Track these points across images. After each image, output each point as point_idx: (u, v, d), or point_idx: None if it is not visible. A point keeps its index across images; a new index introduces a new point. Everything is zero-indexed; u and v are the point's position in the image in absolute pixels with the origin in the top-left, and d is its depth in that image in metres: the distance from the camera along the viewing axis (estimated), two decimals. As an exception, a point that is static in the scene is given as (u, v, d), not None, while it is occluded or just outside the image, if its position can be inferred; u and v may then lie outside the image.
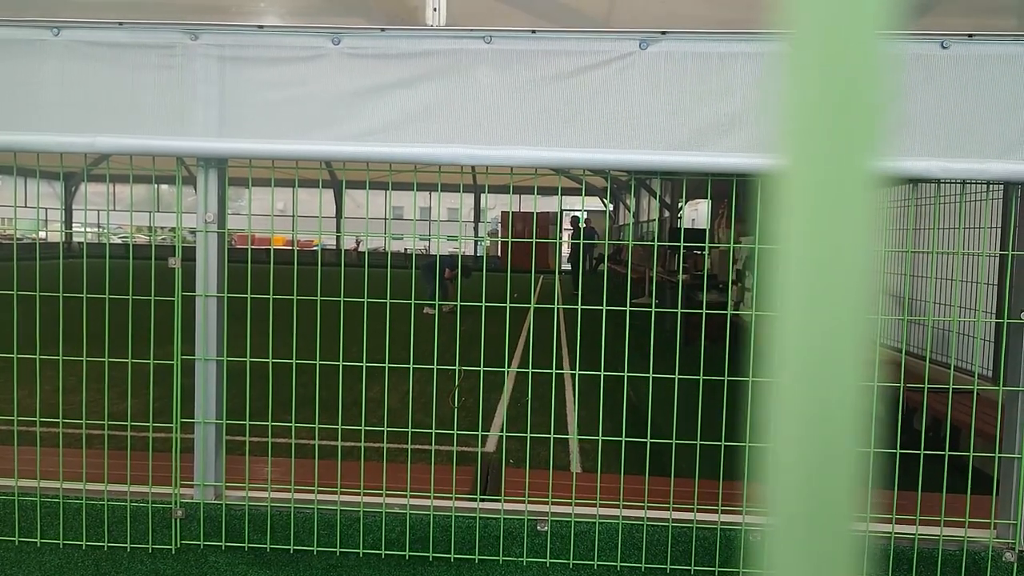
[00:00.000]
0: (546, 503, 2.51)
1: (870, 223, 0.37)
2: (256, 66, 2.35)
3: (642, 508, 2.48)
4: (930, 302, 3.06)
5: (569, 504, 2.51)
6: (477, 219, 26.48)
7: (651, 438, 2.48)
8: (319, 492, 2.54)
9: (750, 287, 7.98)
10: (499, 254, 24.14)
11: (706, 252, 5.25)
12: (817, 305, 0.38)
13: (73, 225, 22.91)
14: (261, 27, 2.35)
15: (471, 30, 2.31)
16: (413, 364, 2.46)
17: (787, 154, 0.38)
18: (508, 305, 2.50)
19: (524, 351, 8.28)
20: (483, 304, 2.49)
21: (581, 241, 5.12)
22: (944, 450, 2.41)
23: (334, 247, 21.57)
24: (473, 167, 2.41)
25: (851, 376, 0.38)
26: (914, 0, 2.40)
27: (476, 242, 23.11)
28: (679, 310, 2.55)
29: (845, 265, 0.37)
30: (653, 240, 12.13)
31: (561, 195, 2.64)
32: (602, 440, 2.64)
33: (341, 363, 2.50)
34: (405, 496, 2.53)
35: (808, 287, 0.38)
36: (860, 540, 0.40)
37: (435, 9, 2.34)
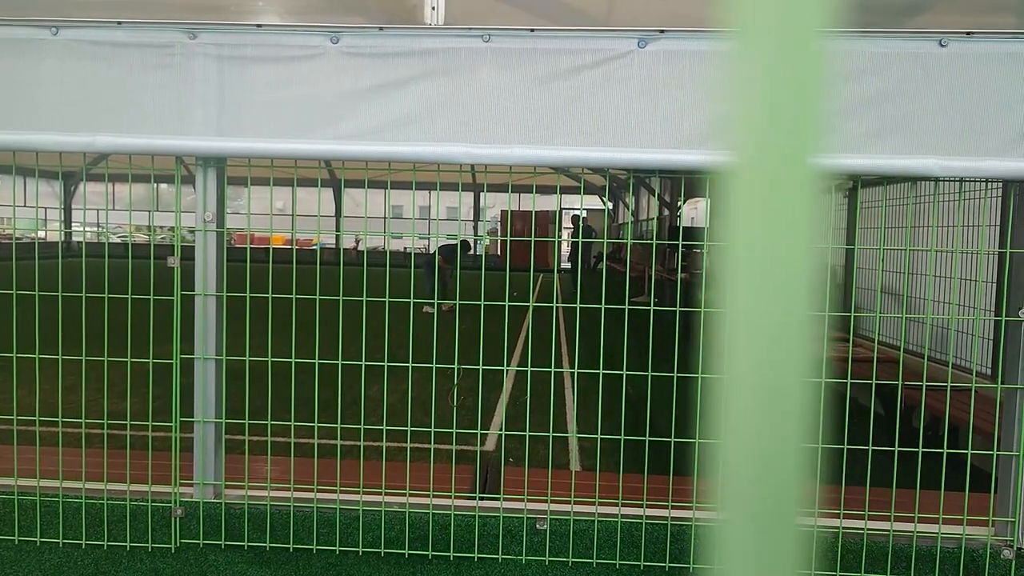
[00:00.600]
0: (545, 501, 2.51)
1: (813, 219, 0.38)
2: (255, 65, 2.35)
3: (641, 506, 2.48)
4: (929, 300, 3.07)
5: (568, 502, 2.52)
6: (476, 218, 26.48)
7: (650, 436, 2.48)
8: (318, 491, 2.54)
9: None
10: (498, 252, 24.14)
11: (705, 251, 5.26)
12: (764, 300, 0.38)
13: (72, 224, 22.90)
14: (260, 26, 2.35)
15: (470, 29, 2.31)
16: (412, 363, 2.46)
17: (734, 150, 0.38)
18: (507, 304, 2.50)
19: (524, 349, 8.28)
20: (482, 303, 2.49)
21: (580, 239, 5.12)
22: (943, 448, 2.42)
23: (333, 246, 21.58)
24: (472, 166, 2.41)
25: (798, 372, 0.38)
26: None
27: (476, 240, 23.11)
28: (678, 308, 2.55)
29: (790, 261, 0.38)
30: (652, 239, 12.14)
31: (560, 193, 2.64)
32: (601, 438, 2.64)
33: (340, 362, 2.51)
34: (404, 495, 2.54)
35: (755, 283, 0.39)
36: (807, 535, 0.41)
37: (434, 8, 2.34)
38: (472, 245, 11.48)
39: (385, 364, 2.50)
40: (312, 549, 2.52)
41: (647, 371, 2.47)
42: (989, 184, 2.78)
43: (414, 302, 2.49)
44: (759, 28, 0.37)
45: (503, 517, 2.50)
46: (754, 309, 0.39)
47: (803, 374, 0.38)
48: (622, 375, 2.54)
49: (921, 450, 2.39)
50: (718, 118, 2.23)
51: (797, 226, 0.38)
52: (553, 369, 2.57)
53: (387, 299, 2.51)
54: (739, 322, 0.39)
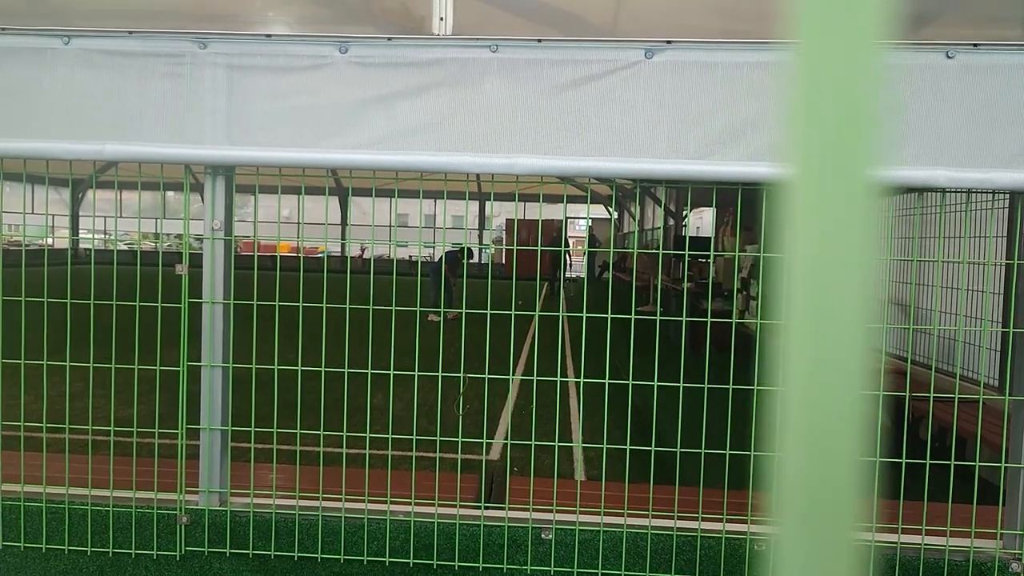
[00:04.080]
0: (550, 511, 2.51)
1: (873, 232, 0.38)
2: (264, 75, 2.36)
3: (646, 516, 2.47)
4: (936, 311, 3.05)
5: (573, 512, 2.51)
6: (482, 227, 26.52)
7: (656, 446, 2.48)
8: (324, 499, 2.54)
9: (755, 295, 7.96)
10: (504, 261, 24.18)
11: (711, 260, 5.26)
12: (821, 314, 0.38)
13: (80, 232, 23.00)
14: (269, 36, 2.36)
15: (477, 39, 2.32)
16: (418, 371, 2.46)
17: (792, 163, 0.38)
18: (513, 312, 2.50)
19: (529, 359, 8.27)
20: (488, 311, 2.49)
21: (585, 249, 5.12)
22: (950, 459, 2.40)
23: (339, 254, 21.62)
24: (478, 175, 2.42)
25: (855, 384, 0.38)
26: (920, 10, 2.40)
27: (481, 249, 23.13)
28: (684, 318, 2.55)
29: (849, 274, 0.38)
30: (658, 248, 12.16)
31: (566, 203, 2.65)
32: (607, 448, 2.64)
33: (346, 370, 2.51)
34: (409, 504, 2.53)
35: (813, 296, 0.38)
36: (863, 550, 0.40)
37: (442, 18, 2.36)
38: (476, 252, 11.49)
39: (391, 372, 2.50)
40: (317, 558, 2.52)
41: (652, 381, 2.47)
42: (996, 195, 2.78)
43: (420, 311, 2.50)
44: (817, 41, 0.37)
45: (508, 526, 2.49)
46: (812, 324, 0.38)
47: (861, 388, 0.38)
48: (628, 384, 2.53)
49: (928, 462, 2.38)
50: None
51: (855, 239, 0.38)
52: (559, 378, 2.57)
53: (393, 307, 2.52)
54: (797, 336, 0.39)
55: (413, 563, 2.50)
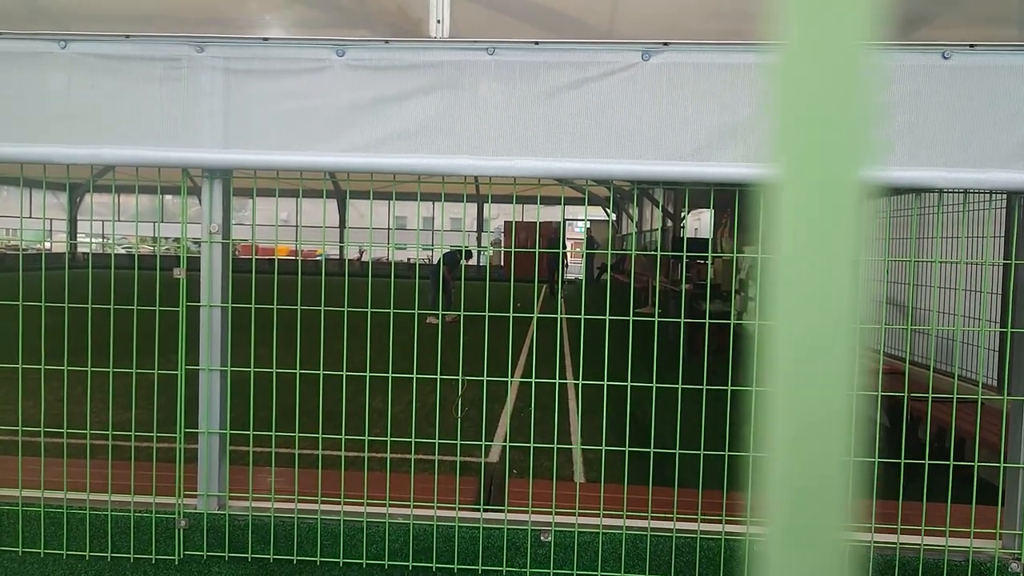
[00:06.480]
0: (549, 513, 2.50)
1: (862, 232, 0.38)
2: (261, 78, 2.36)
3: (645, 518, 2.47)
4: (934, 311, 3.06)
5: (572, 514, 2.51)
6: (480, 229, 26.52)
7: (654, 448, 2.48)
8: (322, 502, 2.54)
9: (753, 297, 7.97)
10: (502, 263, 24.18)
11: (709, 262, 5.26)
12: (810, 314, 0.38)
13: (78, 236, 22.99)
14: (266, 40, 2.37)
15: (474, 42, 2.33)
16: (416, 374, 2.46)
17: (780, 164, 0.38)
18: (512, 315, 2.50)
19: (528, 361, 8.27)
20: (486, 314, 2.49)
21: (584, 251, 5.13)
22: (949, 460, 2.40)
23: (338, 257, 21.61)
24: (476, 177, 2.42)
25: (842, 385, 0.38)
26: (916, 11, 2.41)
27: (479, 251, 23.14)
28: (682, 319, 2.55)
29: (837, 274, 0.38)
30: (656, 250, 12.16)
31: (564, 205, 2.65)
32: (605, 450, 2.64)
33: (345, 373, 2.51)
34: (408, 506, 2.53)
35: (801, 296, 0.38)
36: (854, 550, 0.40)
37: (439, 21, 2.36)
38: (474, 254, 11.50)
39: (389, 375, 2.50)
40: (316, 561, 2.52)
41: (650, 383, 2.47)
42: (993, 195, 2.79)
43: (418, 313, 2.50)
44: (803, 41, 0.37)
45: (507, 529, 2.49)
46: (801, 324, 0.38)
47: (850, 388, 0.38)
48: (626, 386, 2.53)
49: (927, 462, 2.38)
50: (727, 129, 2.24)
51: (844, 240, 0.38)
52: (557, 380, 2.57)
53: (391, 310, 2.52)
54: (787, 336, 0.39)
55: (412, 566, 2.50)
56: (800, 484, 0.39)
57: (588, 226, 20.94)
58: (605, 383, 2.45)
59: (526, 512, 2.51)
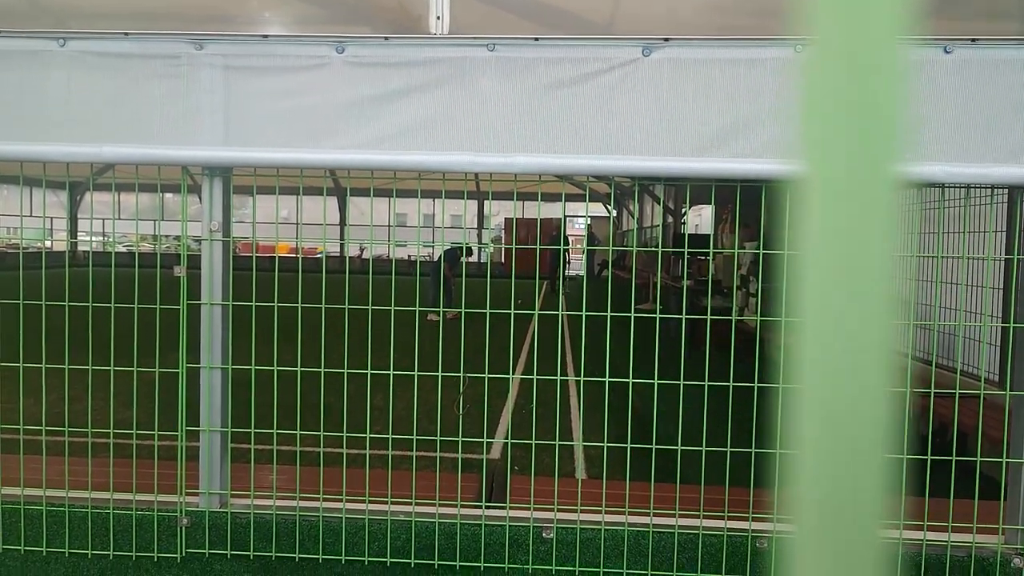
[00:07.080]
0: (551, 510, 2.50)
1: (893, 227, 0.37)
2: (261, 75, 2.36)
3: (648, 515, 2.47)
4: (935, 306, 3.05)
5: (575, 511, 2.51)
6: (481, 226, 26.50)
7: (656, 444, 2.48)
8: (324, 500, 2.54)
9: (755, 292, 7.96)
10: (503, 260, 24.17)
11: (710, 258, 5.25)
12: (840, 311, 0.38)
13: (79, 234, 22.99)
14: (265, 37, 2.36)
15: (474, 38, 2.32)
16: (418, 371, 2.46)
17: (808, 160, 0.38)
18: (512, 312, 2.50)
19: (529, 358, 8.27)
20: (487, 311, 2.49)
21: (584, 247, 5.13)
22: (951, 455, 2.40)
23: (338, 254, 21.61)
24: (476, 174, 2.42)
25: (876, 382, 0.38)
26: (918, 5, 2.39)
27: (480, 248, 23.13)
28: (683, 316, 2.55)
29: (868, 270, 0.37)
30: (657, 246, 12.16)
31: (565, 201, 2.64)
32: (607, 447, 2.63)
33: (346, 371, 2.51)
34: (410, 504, 2.53)
35: (831, 293, 0.38)
36: (887, 548, 0.40)
37: (439, 17, 2.35)
38: (474, 250, 11.47)
39: (391, 372, 2.50)
40: (318, 559, 2.52)
41: (653, 379, 2.46)
42: (995, 190, 2.78)
43: (419, 310, 2.49)
44: (834, 34, 0.37)
45: (509, 526, 2.49)
46: (831, 323, 0.38)
47: (883, 385, 0.38)
48: (628, 382, 2.53)
49: (930, 457, 2.37)
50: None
51: (878, 235, 0.37)
52: (559, 377, 2.56)
53: (392, 307, 2.52)
54: (816, 334, 0.38)
55: (415, 563, 2.50)
56: (833, 484, 0.38)
57: (589, 222, 20.94)
58: (607, 379, 2.45)
59: (528, 509, 2.51)
